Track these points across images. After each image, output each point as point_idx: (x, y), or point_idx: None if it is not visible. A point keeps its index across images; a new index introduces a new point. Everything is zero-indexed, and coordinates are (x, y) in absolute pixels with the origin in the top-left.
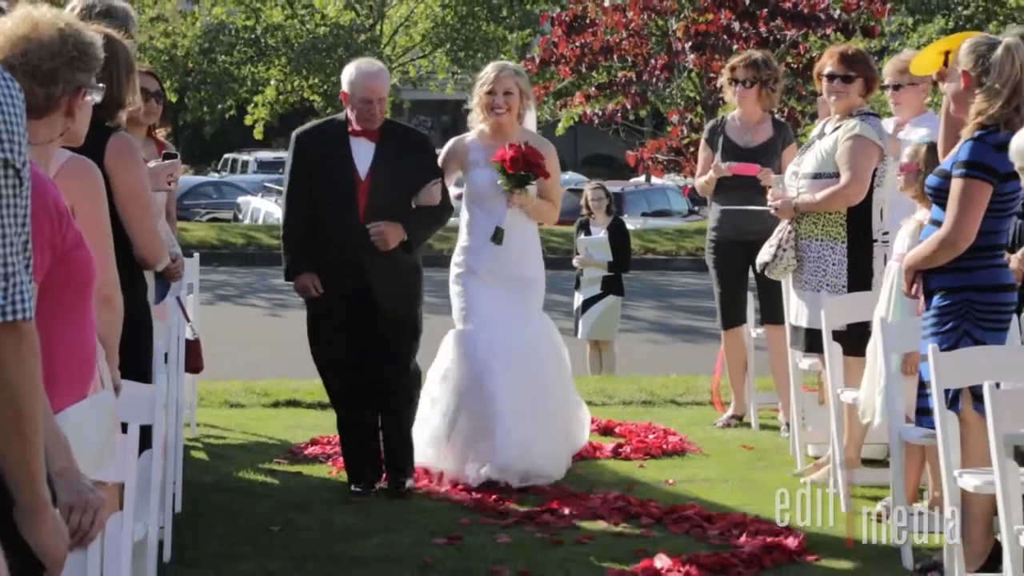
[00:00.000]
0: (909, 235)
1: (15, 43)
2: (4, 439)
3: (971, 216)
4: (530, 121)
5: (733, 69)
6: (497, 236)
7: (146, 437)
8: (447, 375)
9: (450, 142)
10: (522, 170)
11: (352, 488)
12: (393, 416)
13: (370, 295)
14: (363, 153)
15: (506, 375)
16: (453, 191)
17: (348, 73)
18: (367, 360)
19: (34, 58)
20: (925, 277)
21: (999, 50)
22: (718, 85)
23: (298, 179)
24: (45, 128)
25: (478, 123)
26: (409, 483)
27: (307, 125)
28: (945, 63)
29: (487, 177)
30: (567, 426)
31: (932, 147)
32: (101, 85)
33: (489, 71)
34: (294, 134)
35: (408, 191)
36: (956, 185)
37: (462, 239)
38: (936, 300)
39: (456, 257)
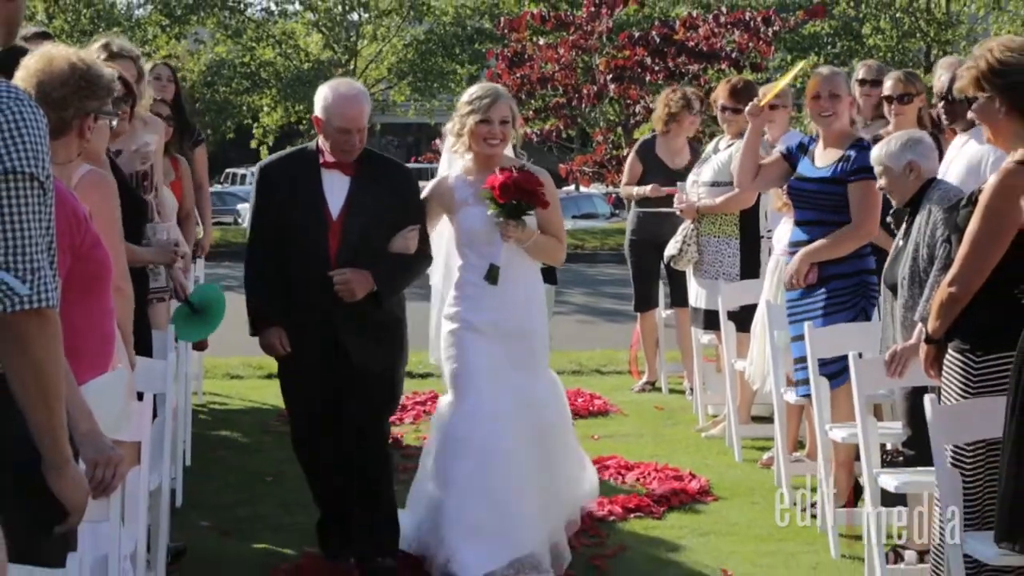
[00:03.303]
0: (786, 234)
1: (33, 75)
2: (31, 408)
3: (877, 211)
4: (508, 147)
5: (688, 99)
6: (492, 275)
7: (160, 404)
8: (443, 454)
9: (431, 185)
10: (514, 198)
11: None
12: (369, 495)
13: (339, 350)
14: (336, 188)
15: (515, 455)
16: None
17: (323, 96)
18: (336, 426)
19: (47, 87)
20: (821, 265)
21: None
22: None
23: (263, 218)
24: (63, 149)
25: (458, 152)
26: (389, 563)
27: (273, 156)
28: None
29: (480, 216)
30: (575, 494)
31: None
32: (119, 112)
33: (483, 97)
34: (258, 166)
35: (387, 232)
36: (860, 187)
37: (455, 291)
38: (834, 284)
39: (448, 309)
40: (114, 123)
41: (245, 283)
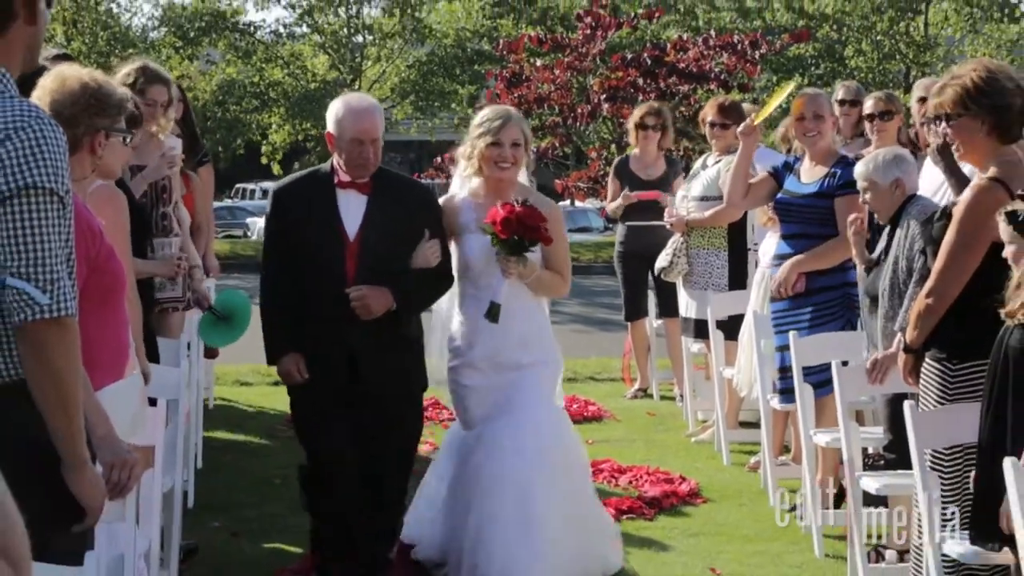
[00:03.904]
0: (772, 247)
1: (47, 93)
2: (51, 413)
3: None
4: (522, 173)
5: (642, 116)
6: (492, 312)
7: (173, 410)
8: (445, 478)
9: (440, 201)
10: (516, 234)
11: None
12: (380, 506)
13: (355, 369)
14: (352, 208)
15: (507, 488)
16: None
17: (335, 111)
18: (355, 460)
19: (58, 105)
20: (808, 277)
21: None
22: (627, 128)
23: (277, 242)
24: (77, 165)
25: (467, 176)
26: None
27: (286, 179)
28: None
29: (481, 244)
30: (587, 539)
31: None
32: (132, 131)
33: (493, 119)
34: (272, 190)
35: (405, 252)
36: (847, 201)
37: (454, 321)
38: (820, 297)
39: (450, 343)
40: (128, 140)
41: (261, 310)
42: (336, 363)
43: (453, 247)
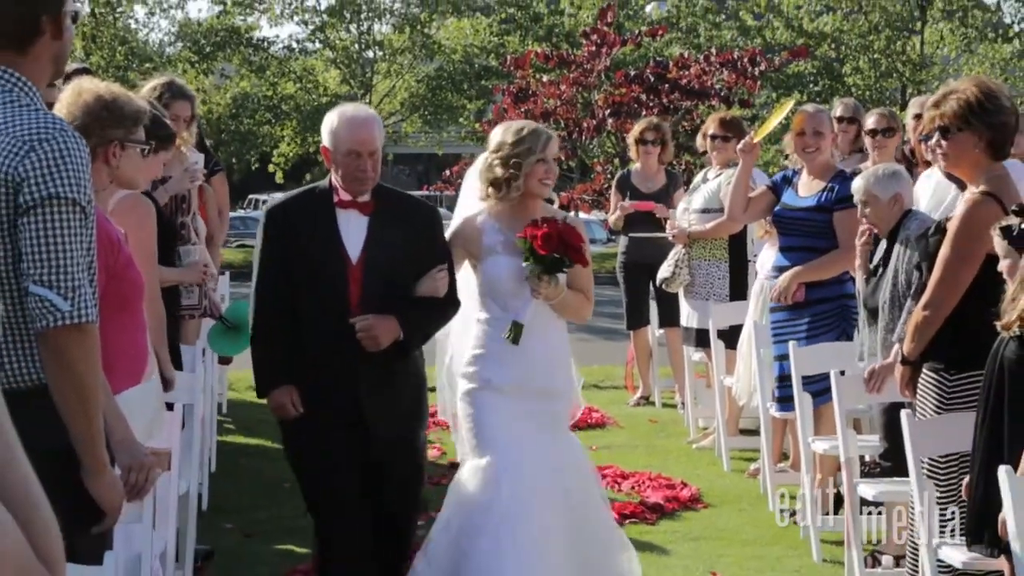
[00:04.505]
0: (770, 259)
1: (65, 106)
2: (71, 417)
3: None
4: None
5: (642, 132)
6: (513, 333)
7: (188, 414)
8: (465, 517)
9: (457, 223)
10: (556, 252)
11: None
12: (392, 540)
13: (362, 412)
14: (353, 229)
15: (532, 521)
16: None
17: (330, 123)
18: (360, 503)
19: (71, 116)
20: (806, 289)
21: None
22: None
23: (271, 266)
24: (94, 176)
25: (507, 197)
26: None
27: (280, 198)
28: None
29: (507, 266)
30: (601, 559)
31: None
32: (149, 143)
33: (537, 134)
34: (265, 209)
35: (411, 275)
36: (847, 215)
37: (474, 346)
38: (817, 308)
39: (466, 368)
40: (147, 152)
41: (252, 339)
42: (338, 398)
43: (469, 269)
